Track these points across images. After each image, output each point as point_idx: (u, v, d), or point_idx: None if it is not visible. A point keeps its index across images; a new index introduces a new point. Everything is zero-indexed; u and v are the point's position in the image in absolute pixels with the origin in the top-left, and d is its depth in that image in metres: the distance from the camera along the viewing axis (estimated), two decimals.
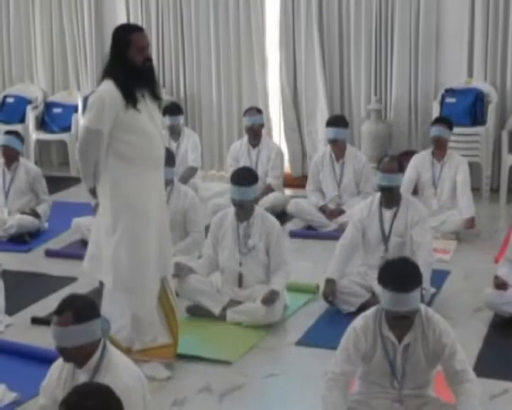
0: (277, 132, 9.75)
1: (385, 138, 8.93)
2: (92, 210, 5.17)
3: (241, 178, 5.77)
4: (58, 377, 3.72)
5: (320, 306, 5.88)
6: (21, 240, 7.44)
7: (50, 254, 7.19)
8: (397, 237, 5.83)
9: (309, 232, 7.64)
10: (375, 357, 3.91)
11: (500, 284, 5.53)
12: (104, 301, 4.88)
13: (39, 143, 10.44)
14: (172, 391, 4.75)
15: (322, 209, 7.73)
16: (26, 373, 4.87)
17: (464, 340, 4.49)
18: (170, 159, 6.02)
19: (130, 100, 4.70)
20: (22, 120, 10.11)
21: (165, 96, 8.90)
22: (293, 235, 7.56)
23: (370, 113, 8.99)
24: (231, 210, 5.85)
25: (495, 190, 8.59)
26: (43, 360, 4.68)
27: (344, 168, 7.79)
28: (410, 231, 5.81)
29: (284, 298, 5.71)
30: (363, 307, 5.24)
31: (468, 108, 8.47)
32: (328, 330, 5.49)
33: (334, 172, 7.82)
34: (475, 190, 7.95)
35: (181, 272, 5.73)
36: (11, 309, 5.82)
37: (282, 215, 7.66)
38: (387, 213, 5.87)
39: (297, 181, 9.22)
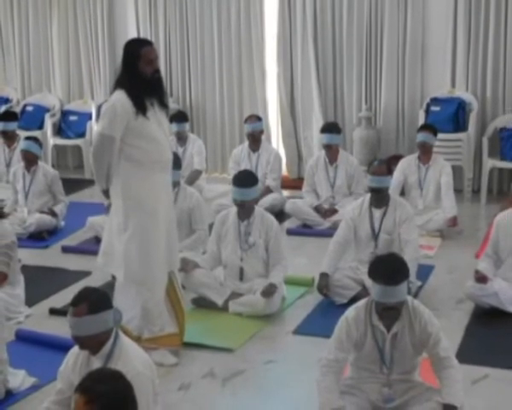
0: (276, 138, 9.75)
1: (374, 143, 8.93)
2: (105, 210, 5.17)
3: (242, 180, 5.76)
4: (74, 364, 3.72)
5: (315, 298, 5.88)
6: (40, 237, 7.44)
7: (66, 250, 7.18)
8: (386, 234, 5.83)
9: (305, 230, 7.63)
10: (366, 345, 3.91)
11: (480, 278, 5.52)
12: (116, 294, 4.87)
13: (56, 147, 10.44)
14: (179, 376, 4.75)
15: (317, 209, 7.72)
16: (44, 360, 4.87)
17: (448, 329, 4.49)
18: (177, 162, 6.02)
19: (140, 108, 4.69)
20: (41, 126, 10.11)
21: (173, 105, 8.90)
22: (290, 233, 7.55)
23: (361, 120, 8.99)
24: (233, 209, 5.84)
25: (476, 192, 8.59)
26: (60, 347, 4.66)
27: (337, 171, 7.79)
28: (397, 229, 5.81)
29: (282, 291, 5.69)
30: (354, 299, 5.22)
31: (451, 115, 8.47)
32: (322, 320, 5.49)
33: (327, 175, 7.82)
34: (458, 191, 7.96)
35: (187, 266, 5.72)
36: (30, 301, 5.82)
37: (280, 214, 7.64)
38: (377, 213, 5.87)
39: (294, 183, 9.20)
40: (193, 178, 8.33)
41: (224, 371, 4.81)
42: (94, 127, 9.65)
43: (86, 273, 6.45)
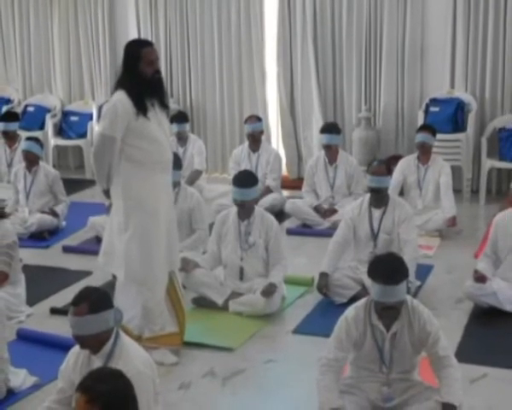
0: (275, 138, 9.74)
1: (374, 144, 8.93)
2: (106, 210, 5.18)
3: (242, 181, 5.76)
4: (75, 363, 3.72)
5: (315, 297, 5.88)
6: (41, 237, 7.44)
7: (67, 250, 7.18)
8: (385, 234, 5.83)
9: (304, 230, 7.63)
10: (365, 344, 3.91)
11: (479, 278, 5.53)
12: (117, 293, 4.87)
13: (57, 148, 10.44)
14: (179, 375, 4.75)
15: (317, 209, 7.72)
16: (45, 359, 4.86)
17: (447, 328, 4.49)
18: (177, 163, 6.02)
19: (141, 109, 4.69)
20: (42, 127, 10.11)
21: (173, 106, 8.89)
22: (290, 232, 7.55)
23: (361, 120, 8.99)
24: (233, 209, 5.84)
25: (475, 192, 8.59)
26: (61, 346, 4.67)
27: (336, 171, 7.79)
28: (397, 228, 5.81)
29: (282, 290, 5.70)
30: (354, 299, 5.23)
31: (450, 116, 8.47)
32: (322, 319, 5.49)
33: (327, 175, 7.82)
34: (457, 191, 7.95)
35: (187, 266, 5.73)
36: (32, 300, 5.83)
37: (280, 214, 7.64)
38: (376, 213, 5.87)
39: (293, 183, 9.20)
40: (193, 179, 8.33)
41: (225, 371, 4.81)
42: (95, 128, 9.65)
43: (87, 273, 6.46)
